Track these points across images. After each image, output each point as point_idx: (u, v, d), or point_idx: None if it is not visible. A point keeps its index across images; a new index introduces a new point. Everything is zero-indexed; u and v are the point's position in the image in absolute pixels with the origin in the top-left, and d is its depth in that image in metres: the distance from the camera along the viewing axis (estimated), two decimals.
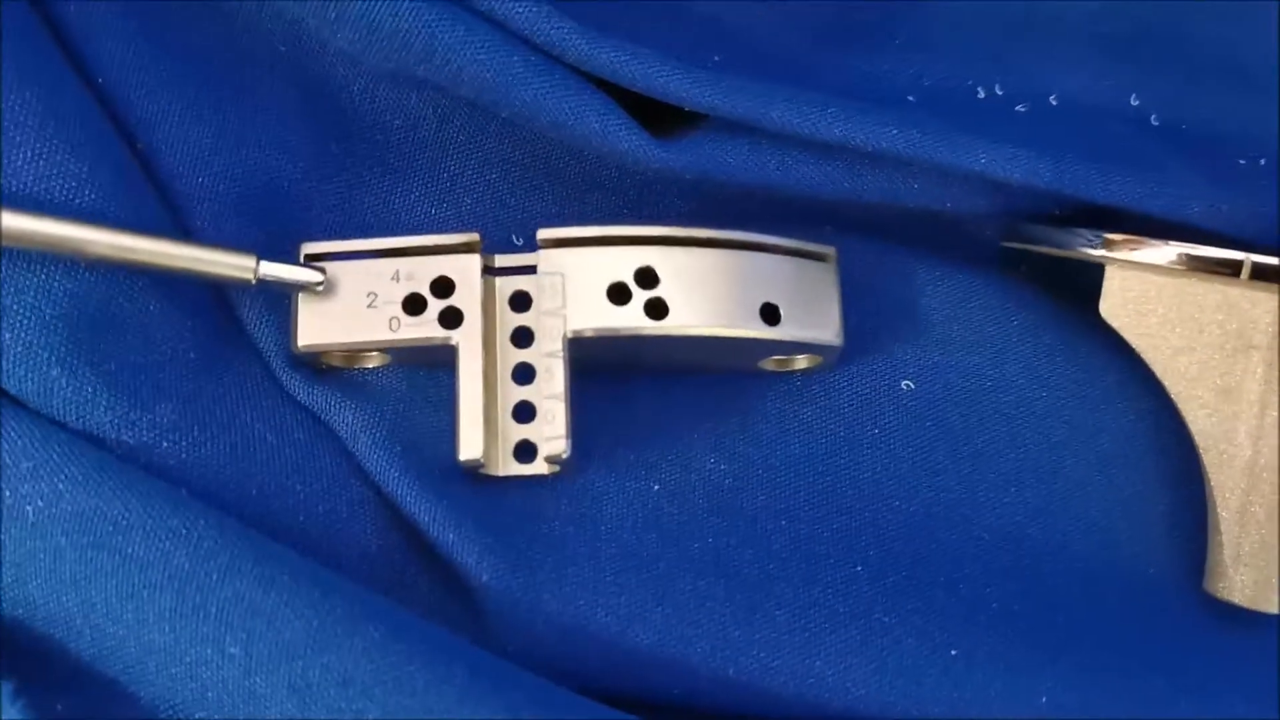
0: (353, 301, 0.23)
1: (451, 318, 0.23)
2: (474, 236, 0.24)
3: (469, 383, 0.23)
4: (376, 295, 0.23)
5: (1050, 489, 0.26)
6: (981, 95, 0.28)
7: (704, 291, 0.23)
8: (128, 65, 0.25)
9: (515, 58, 0.24)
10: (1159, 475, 0.27)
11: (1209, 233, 0.26)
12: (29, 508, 0.21)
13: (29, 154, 0.22)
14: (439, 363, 0.24)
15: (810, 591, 0.24)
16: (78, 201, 0.22)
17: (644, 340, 0.24)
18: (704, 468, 0.25)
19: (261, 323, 0.25)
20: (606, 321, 0.23)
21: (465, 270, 0.24)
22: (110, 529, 0.21)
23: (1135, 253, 0.25)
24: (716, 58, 0.27)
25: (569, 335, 0.23)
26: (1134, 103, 0.28)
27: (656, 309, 0.23)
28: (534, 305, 0.24)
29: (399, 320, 0.23)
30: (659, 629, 0.23)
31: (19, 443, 0.21)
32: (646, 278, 0.23)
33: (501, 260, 0.24)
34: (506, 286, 0.24)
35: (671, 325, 0.23)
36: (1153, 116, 0.28)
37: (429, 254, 0.24)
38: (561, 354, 0.23)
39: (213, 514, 0.21)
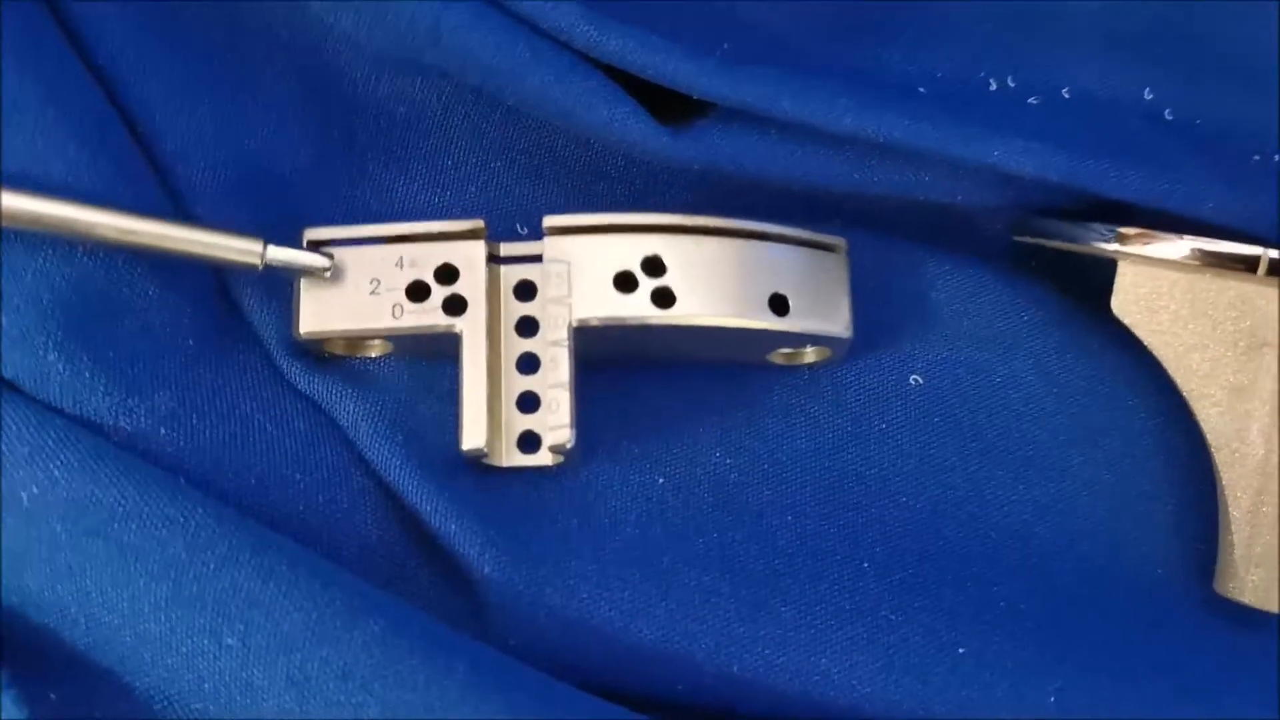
0: (355, 288, 0.23)
1: (455, 305, 0.23)
2: (479, 223, 0.23)
3: (472, 371, 0.23)
4: (380, 282, 0.23)
5: (1059, 487, 0.26)
6: (994, 88, 0.28)
7: (712, 281, 0.23)
8: (129, 50, 0.24)
9: (522, 44, 0.23)
10: (1169, 474, 0.26)
11: (1222, 229, 0.26)
12: (24, 493, 0.20)
13: (28, 138, 0.22)
14: (442, 352, 0.24)
15: (816, 588, 0.23)
16: (77, 186, 0.22)
17: (650, 330, 0.23)
18: (709, 462, 0.25)
19: (262, 310, 0.24)
20: (613, 310, 0.23)
21: (470, 257, 0.23)
22: (106, 516, 0.20)
23: (1149, 247, 0.25)
24: (725, 45, 0.26)
25: (574, 324, 0.23)
26: (1148, 97, 0.28)
27: (663, 298, 0.23)
28: (539, 293, 0.23)
29: (402, 307, 0.23)
30: (663, 624, 0.23)
31: (14, 428, 0.21)
32: (653, 266, 0.23)
33: (506, 249, 0.24)
34: (511, 275, 0.24)
35: (678, 314, 0.23)
36: (1166, 111, 0.28)
37: (433, 240, 0.23)
38: (567, 342, 0.23)
39: (210, 503, 0.21)
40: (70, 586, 0.20)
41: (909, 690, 0.23)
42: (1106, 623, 0.24)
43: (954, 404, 0.26)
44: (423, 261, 0.23)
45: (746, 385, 0.26)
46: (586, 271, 0.23)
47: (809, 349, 0.25)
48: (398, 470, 0.23)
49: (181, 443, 0.22)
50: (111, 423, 0.22)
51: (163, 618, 0.20)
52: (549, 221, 0.23)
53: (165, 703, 0.21)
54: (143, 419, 0.22)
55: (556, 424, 0.23)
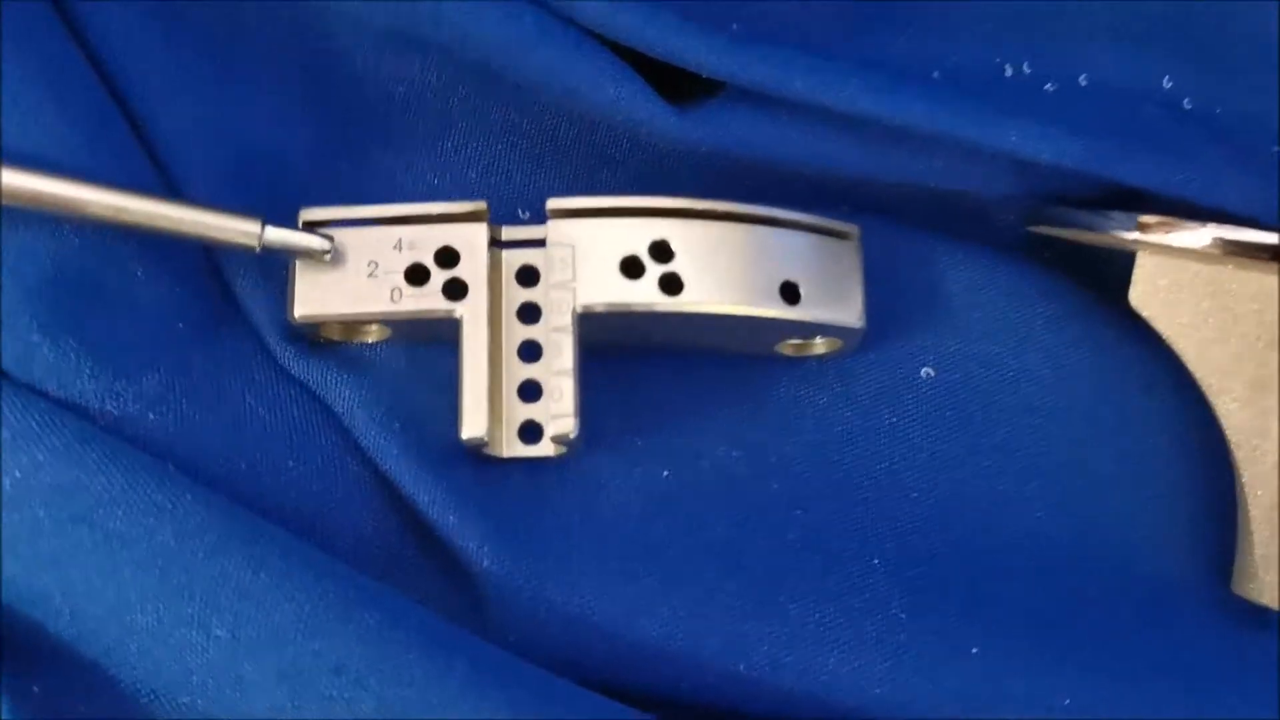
0: (353, 271, 0.22)
1: (456, 289, 0.22)
2: (481, 205, 0.23)
3: (473, 358, 0.22)
4: (378, 265, 0.22)
5: (1073, 484, 0.25)
6: (1009, 74, 0.27)
7: (721, 267, 0.22)
8: (123, 30, 0.24)
9: (527, 19, 0.23)
10: (1187, 471, 0.26)
11: (1242, 219, 0.25)
12: (6, 479, 0.20)
13: (21, 119, 0.21)
14: (440, 337, 0.23)
15: (825, 584, 0.23)
16: (71, 168, 0.21)
17: (656, 317, 0.23)
18: (715, 454, 0.24)
19: (255, 292, 0.24)
20: (618, 296, 0.22)
21: (471, 240, 0.22)
22: (92, 502, 0.20)
23: (1170, 235, 0.24)
24: (735, 26, 0.26)
25: (579, 310, 0.22)
26: (1166, 85, 0.27)
27: (671, 284, 0.22)
28: (542, 278, 0.23)
29: (401, 291, 0.22)
30: (667, 621, 0.22)
31: None
32: (661, 251, 0.22)
33: (508, 233, 0.23)
34: (513, 260, 0.23)
35: (686, 302, 0.22)
36: (1185, 100, 0.27)
37: (433, 222, 0.23)
38: (570, 329, 0.22)
39: (200, 490, 0.20)
40: (54, 575, 0.20)
41: (920, 690, 0.22)
42: (1121, 623, 0.24)
43: (966, 398, 0.26)
44: (422, 244, 0.22)
45: (753, 376, 0.25)
46: (591, 256, 0.22)
47: (819, 340, 0.25)
48: (395, 459, 0.23)
49: (171, 428, 0.22)
50: (98, 406, 0.21)
51: (150, 608, 0.19)
52: (553, 204, 0.23)
53: (152, 696, 0.20)
54: (130, 403, 0.21)
55: (560, 413, 0.22)
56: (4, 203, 0.20)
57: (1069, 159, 0.24)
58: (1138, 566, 0.25)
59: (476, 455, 0.23)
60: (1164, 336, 0.25)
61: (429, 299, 0.22)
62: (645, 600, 0.22)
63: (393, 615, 0.20)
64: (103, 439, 0.20)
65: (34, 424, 0.20)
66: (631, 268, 0.22)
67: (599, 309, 0.22)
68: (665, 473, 0.24)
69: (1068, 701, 0.22)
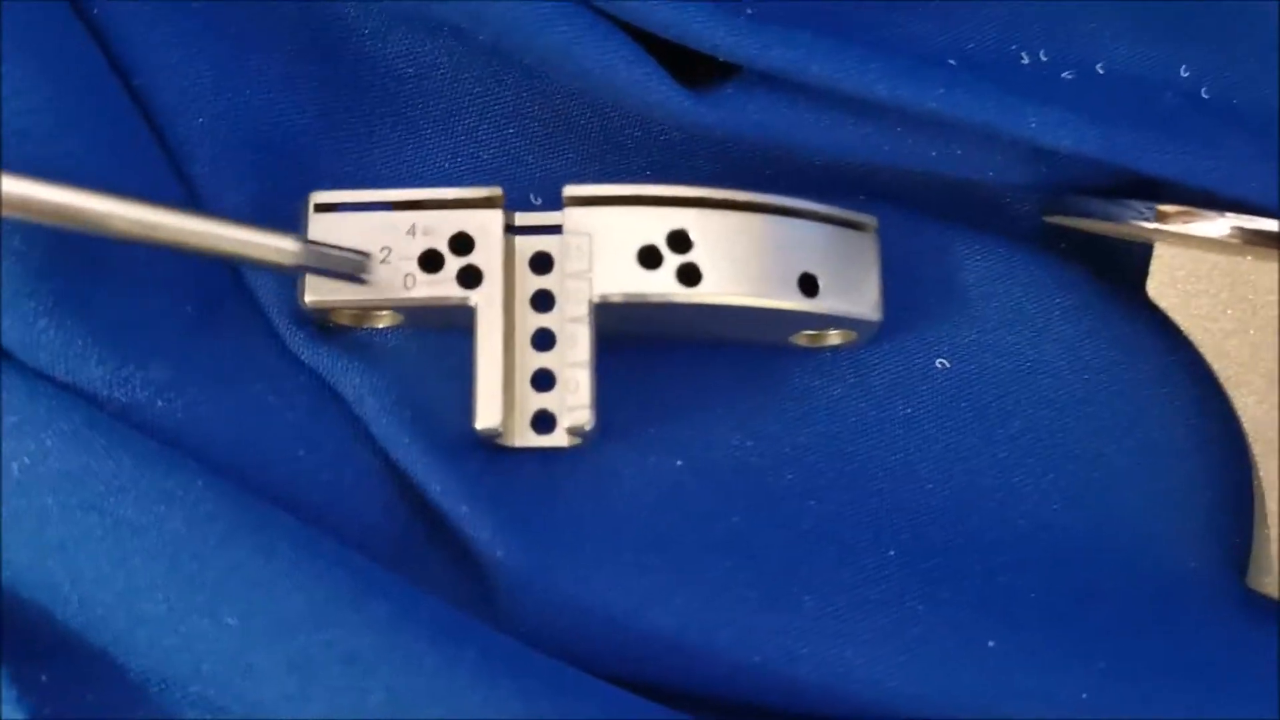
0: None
1: (470, 277, 0.22)
2: (496, 191, 0.22)
3: (487, 347, 0.22)
4: (391, 250, 0.22)
5: (1089, 477, 0.25)
6: (1025, 61, 0.27)
7: (739, 258, 0.22)
8: (129, 6, 0.23)
9: (543, 0, 0.22)
10: (1204, 464, 0.25)
11: (1261, 210, 0.25)
12: (14, 464, 0.19)
13: (10, 87, 0.20)
14: (452, 324, 0.23)
15: (840, 576, 0.23)
16: (65, 141, 0.21)
17: (672, 308, 0.22)
18: (729, 445, 0.24)
19: (265, 276, 0.23)
20: (636, 286, 0.22)
21: (486, 227, 0.22)
22: (101, 490, 0.19)
23: (1189, 225, 0.24)
24: (749, 11, 0.25)
25: (595, 300, 0.22)
26: (1184, 74, 0.27)
27: (689, 275, 0.22)
28: (557, 267, 0.22)
29: (414, 278, 0.22)
30: (680, 613, 0.22)
31: (4, 395, 0.20)
32: (679, 241, 0.22)
33: (522, 219, 0.23)
34: (527, 247, 0.23)
35: (704, 293, 0.22)
36: (1203, 89, 0.27)
37: (448, 208, 0.22)
38: (587, 319, 0.22)
39: (210, 477, 0.20)
40: (62, 563, 0.19)
41: (936, 684, 0.22)
42: (1137, 617, 0.24)
43: (981, 389, 0.25)
44: (436, 230, 0.22)
45: (766, 367, 0.25)
46: (608, 245, 0.22)
47: (833, 331, 0.24)
48: (406, 448, 0.22)
49: (179, 415, 0.21)
50: (106, 393, 0.21)
51: (160, 597, 0.19)
52: (569, 191, 0.22)
53: (162, 685, 0.20)
54: (138, 389, 0.21)
55: (576, 404, 0.22)
56: (14, 214, 0.19)
57: (1088, 147, 0.24)
58: (1153, 560, 0.25)
59: (487, 444, 0.23)
60: (1182, 328, 0.24)
61: (443, 286, 0.22)
62: (658, 591, 0.22)
63: (403, 605, 0.20)
64: (111, 425, 0.20)
65: (42, 410, 0.20)
66: (649, 257, 0.22)
67: (616, 299, 0.22)
68: (678, 463, 0.24)
69: (1084, 696, 0.22)
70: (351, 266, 0.21)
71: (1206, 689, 0.23)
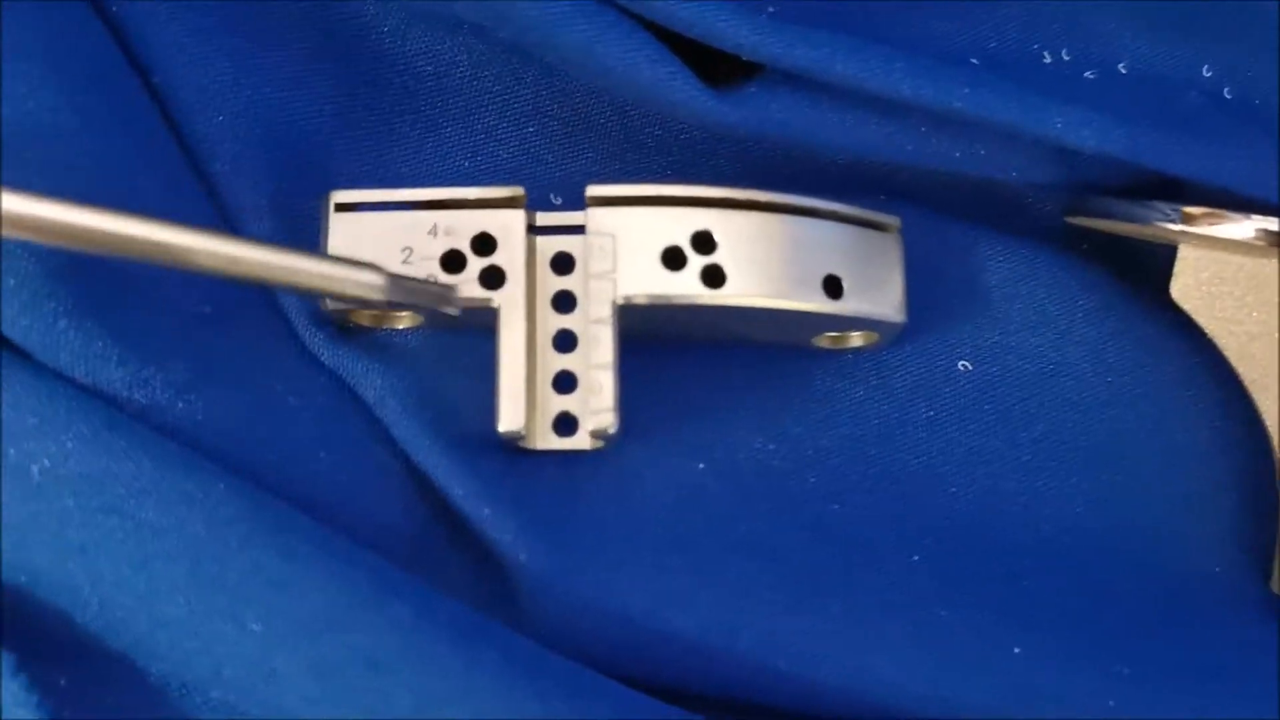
0: (386, 256, 0.22)
1: (493, 278, 0.22)
2: (518, 190, 0.22)
3: (510, 349, 0.22)
4: (412, 250, 0.22)
5: (1112, 480, 0.25)
6: (1048, 60, 0.26)
7: (764, 260, 0.22)
8: (146, 2, 0.23)
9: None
10: (1228, 468, 0.25)
11: None
12: (34, 466, 0.19)
13: (29, 86, 0.20)
14: (471, 325, 0.23)
15: (864, 580, 0.22)
16: (83, 139, 0.21)
17: (694, 309, 0.22)
18: (751, 447, 0.24)
19: None
20: (660, 288, 0.22)
21: (508, 227, 0.22)
22: (122, 492, 0.19)
23: (1215, 227, 0.24)
24: (771, 9, 0.25)
25: (619, 301, 0.22)
26: (1206, 74, 0.27)
27: (713, 276, 0.22)
28: (579, 268, 0.22)
29: (436, 279, 0.22)
30: (702, 616, 0.22)
31: (24, 396, 0.20)
32: (703, 242, 0.22)
33: (543, 219, 0.23)
34: (548, 247, 0.23)
35: (729, 295, 0.22)
36: (1226, 89, 0.27)
37: (469, 208, 0.22)
38: (610, 321, 0.22)
39: (231, 479, 0.20)
40: (82, 565, 0.19)
41: (962, 690, 0.21)
42: (1161, 621, 0.24)
43: (1004, 392, 0.25)
44: (458, 230, 0.22)
45: (788, 368, 0.25)
46: (632, 246, 0.22)
47: (856, 333, 0.24)
48: (426, 450, 0.22)
49: (199, 416, 0.21)
50: (126, 394, 0.21)
51: (181, 600, 0.19)
52: (592, 191, 0.22)
53: (182, 689, 0.20)
54: (158, 390, 0.21)
55: (599, 407, 0.21)
56: (95, 250, 0.18)
57: (1114, 147, 0.24)
58: (1177, 564, 0.25)
59: (508, 446, 0.22)
60: (1206, 330, 0.24)
61: (466, 287, 0.22)
62: (681, 594, 0.22)
63: (426, 607, 0.20)
64: (132, 427, 0.20)
65: (62, 411, 0.19)
66: (673, 259, 0.22)
67: (640, 301, 0.22)
68: (700, 465, 0.24)
69: (1111, 703, 0.22)
70: (436, 300, 0.21)
71: (1231, 694, 0.23)
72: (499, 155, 0.25)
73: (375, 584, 0.19)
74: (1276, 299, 0.24)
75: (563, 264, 0.23)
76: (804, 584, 0.22)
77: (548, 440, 0.22)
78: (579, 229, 0.22)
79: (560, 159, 0.25)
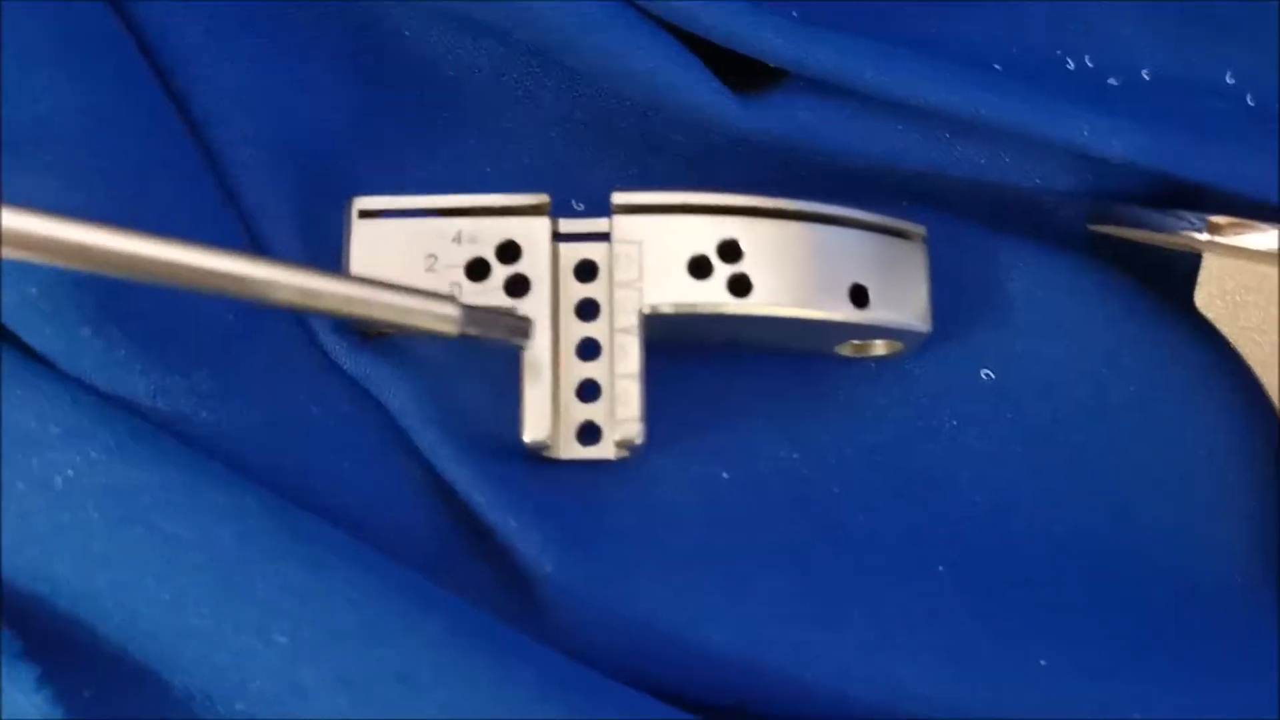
0: (411, 264, 0.22)
1: (518, 286, 0.22)
2: (543, 198, 0.22)
3: (534, 358, 0.21)
4: (436, 258, 0.22)
5: (1134, 489, 0.25)
6: (1071, 66, 0.26)
7: (790, 269, 0.22)
8: (169, 6, 0.23)
9: (593, 4, 0.22)
10: (1250, 477, 0.25)
11: None
12: (58, 477, 0.19)
13: (43, 84, 0.20)
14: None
15: (891, 590, 0.22)
16: (99, 138, 0.21)
17: (720, 319, 0.22)
18: (774, 455, 0.24)
19: None
20: (686, 297, 0.21)
21: (533, 235, 0.22)
22: (147, 502, 0.19)
23: (1241, 237, 0.24)
24: (794, 14, 0.25)
25: (645, 310, 0.21)
26: (1229, 81, 0.27)
27: (739, 286, 0.22)
28: (603, 276, 0.22)
29: (461, 286, 0.22)
30: (731, 628, 0.21)
31: (47, 406, 0.19)
32: (730, 251, 0.22)
33: (567, 225, 0.23)
34: (571, 254, 0.22)
35: (755, 304, 0.21)
36: (1249, 96, 0.27)
37: (494, 215, 0.22)
38: (637, 330, 0.21)
39: (257, 490, 0.20)
40: (107, 577, 0.19)
41: (989, 702, 0.21)
42: (1184, 632, 0.23)
43: (1026, 400, 0.25)
44: (483, 237, 0.22)
45: (810, 376, 0.25)
46: (658, 254, 0.22)
47: (879, 341, 0.24)
48: (449, 459, 0.22)
49: (222, 425, 0.21)
50: (149, 404, 0.20)
51: (207, 612, 0.19)
52: (618, 199, 0.22)
53: (207, 702, 0.19)
54: (182, 399, 0.21)
55: (625, 417, 0.21)
56: (182, 285, 0.18)
57: (1141, 155, 0.24)
58: (1197, 573, 0.24)
59: (531, 455, 0.22)
60: (1229, 339, 0.24)
61: (491, 296, 0.22)
62: (707, 606, 0.22)
63: (456, 620, 0.19)
64: (156, 437, 0.20)
65: (87, 420, 0.19)
66: (699, 267, 0.22)
67: (666, 309, 0.21)
68: (724, 474, 0.23)
69: (1138, 717, 0.22)
70: (510, 332, 0.21)
71: (1254, 704, 0.23)
72: (520, 160, 0.25)
73: (405, 597, 0.19)
74: None
75: (586, 271, 0.22)
76: (829, 595, 0.22)
77: (571, 449, 0.22)
78: (603, 236, 0.22)
79: (581, 164, 0.25)
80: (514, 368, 0.22)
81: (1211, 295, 0.24)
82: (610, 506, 0.23)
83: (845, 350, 0.24)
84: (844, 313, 0.22)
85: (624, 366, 0.21)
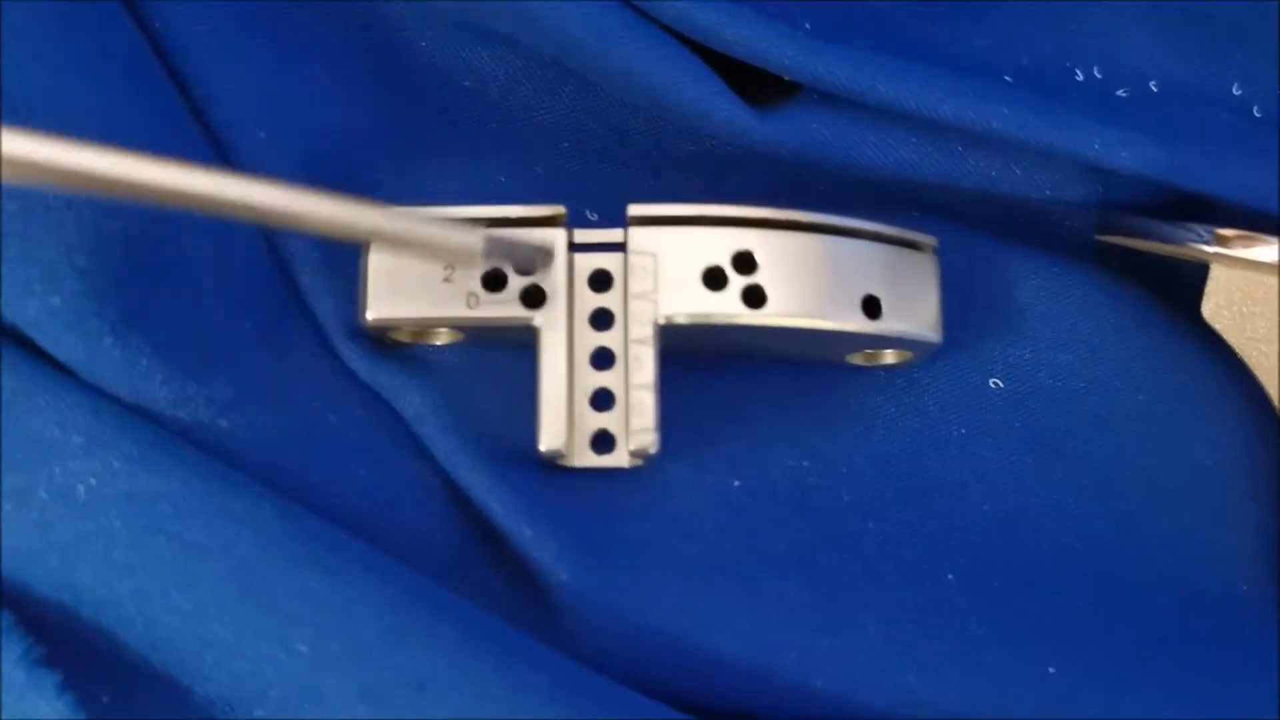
0: (428, 273, 0.22)
1: (534, 297, 0.22)
2: (559, 209, 0.22)
3: (551, 368, 0.22)
4: (454, 268, 0.22)
5: (1143, 498, 0.25)
6: (1080, 78, 0.27)
7: (804, 280, 0.22)
8: (184, 11, 0.23)
9: (609, 15, 0.22)
10: (1259, 488, 0.25)
11: None
12: (80, 486, 0.19)
13: (54, 85, 0.20)
14: (509, 341, 0.23)
15: (900, 598, 0.23)
16: (111, 140, 0.21)
17: (734, 329, 0.22)
18: (786, 464, 0.24)
19: (322, 291, 0.23)
20: (701, 308, 0.22)
21: (550, 246, 0.22)
22: (169, 511, 0.19)
23: (1249, 249, 0.24)
24: (807, 25, 0.25)
25: (660, 321, 0.22)
26: (1236, 92, 0.27)
27: (754, 297, 0.22)
28: (618, 287, 0.22)
29: (478, 297, 0.22)
30: (743, 635, 0.22)
31: (69, 415, 0.20)
32: (744, 263, 0.22)
33: (582, 236, 0.23)
34: (585, 264, 0.23)
35: (769, 315, 0.22)
36: (1255, 108, 0.27)
37: (510, 226, 0.22)
38: (652, 341, 0.22)
39: (278, 499, 0.20)
40: (128, 585, 0.19)
41: (996, 708, 0.22)
42: (1192, 641, 0.24)
43: (1035, 409, 0.25)
44: None
45: (820, 385, 0.25)
46: (673, 265, 0.22)
47: (889, 351, 0.24)
48: (464, 466, 0.22)
49: (241, 434, 0.21)
50: (170, 413, 0.21)
51: (228, 620, 0.19)
52: (634, 210, 0.22)
53: (227, 709, 0.20)
54: (202, 408, 0.21)
55: (640, 427, 0.22)
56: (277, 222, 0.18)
57: (1149, 166, 0.24)
58: (1208, 582, 0.25)
59: (546, 463, 0.23)
60: (1238, 350, 0.24)
61: (507, 306, 0.22)
62: (722, 613, 0.22)
63: (474, 629, 0.20)
64: (177, 446, 0.20)
65: (108, 429, 0.20)
66: (714, 279, 0.22)
67: (681, 320, 0.22)
68: (736, 482, 0.24)
69: None
70: (531, 260, 0.21)
71: (1258, 711, 0.23)
72: (534, 170, 0.25)
73: (424, 605, 0.20)
74: None
75: (600, 281, 0.23)
76: (839, 602, 0.22)
77: (585, 458, 0.22)
78: (617, 246, 0.22)
79: (595, 174, 0.26)
80: (529, 376, 0.22)
81: (1219, 306, 0.25)
82: (624, 515, 0.23)
83: (856, 359, 0.25)
84: (856, 323, 0.22)
85: (639, 377, 0.22)
